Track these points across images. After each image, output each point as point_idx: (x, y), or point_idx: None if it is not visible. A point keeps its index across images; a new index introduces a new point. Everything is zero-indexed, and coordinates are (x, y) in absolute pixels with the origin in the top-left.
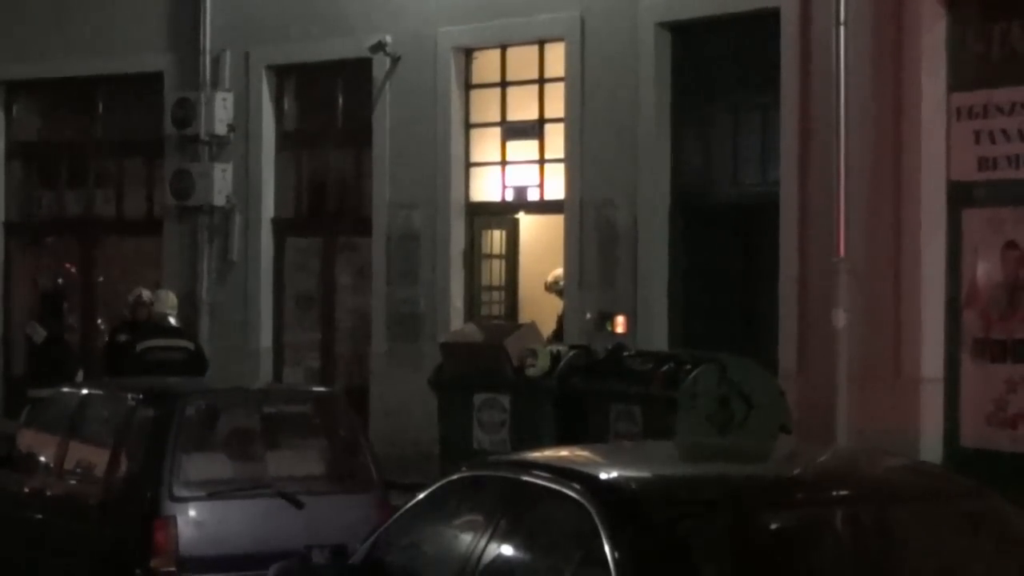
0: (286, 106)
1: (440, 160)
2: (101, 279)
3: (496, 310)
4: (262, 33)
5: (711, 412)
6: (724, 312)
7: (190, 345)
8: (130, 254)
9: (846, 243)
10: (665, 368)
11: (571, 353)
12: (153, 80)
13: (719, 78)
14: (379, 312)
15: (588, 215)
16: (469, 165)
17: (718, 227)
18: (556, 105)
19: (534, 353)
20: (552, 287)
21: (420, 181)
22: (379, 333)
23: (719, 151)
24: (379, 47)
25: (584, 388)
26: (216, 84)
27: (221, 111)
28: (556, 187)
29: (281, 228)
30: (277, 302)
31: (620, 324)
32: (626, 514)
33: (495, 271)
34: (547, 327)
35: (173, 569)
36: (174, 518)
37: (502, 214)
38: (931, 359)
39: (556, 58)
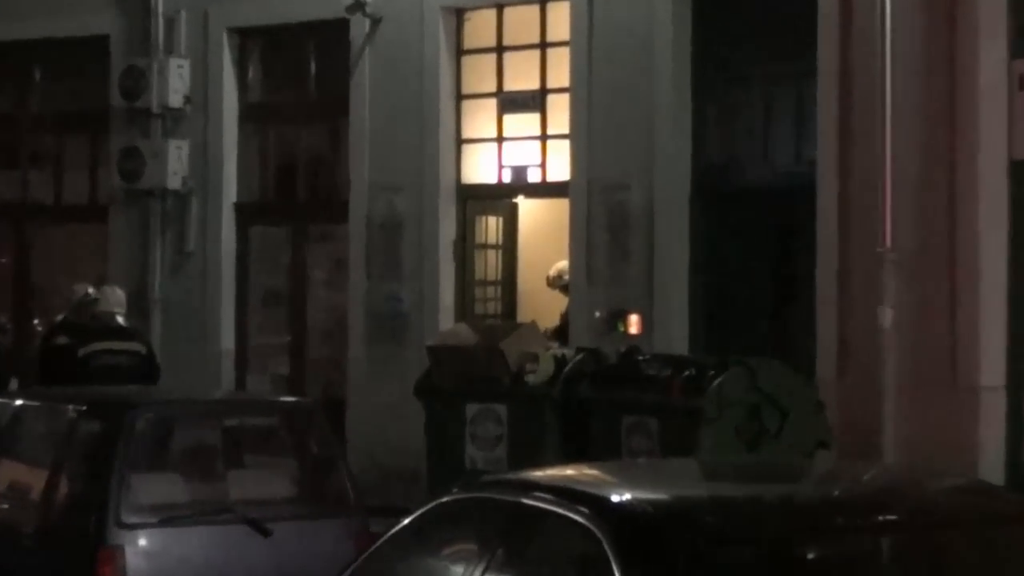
0: (251, 74)
1: (427, 136)
2: (37, 273)
3: (492, 308)
4: None
5: (739, 424)
6: (753, 310)
7: (141, 348)
8: (71, 244)
9: (893, 232)
10: (686, 374)
11: (577, 357)
12: (98, 45)
13: (747, 43)
14: (357, 311)
15: (597, 199)
16: (460, 142)
17: (746, 213)
18: (560, 73)
19: (535, 357)
20: (556, 282)
21: (404, 160)
22: (357, 335)
23: (747, 126)
24: (357, 6)
25: (592, 397)
26: (170, 49)
27: (176, 80)
28: (560, 167)
29: (245, 214)
30: (240, 299)
31: (634, 324)
32: (641, 542)
33: (490, 263)
34: (550, 328)
35: None
36: (122, 548)
37: (498, 198)
38: (991, 364)
39: (560, 19)
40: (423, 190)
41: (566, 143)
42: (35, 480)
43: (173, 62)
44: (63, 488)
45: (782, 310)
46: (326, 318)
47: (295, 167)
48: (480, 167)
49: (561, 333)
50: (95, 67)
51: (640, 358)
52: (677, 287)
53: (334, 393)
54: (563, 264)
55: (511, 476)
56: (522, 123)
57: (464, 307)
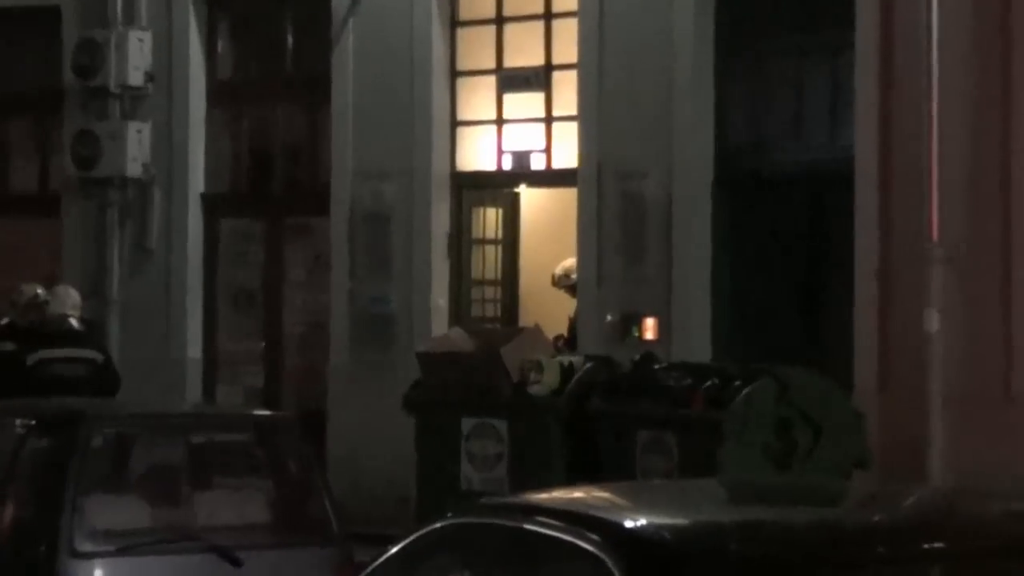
0: (220, 49)
1: (418, 118)
2: None
3: (490, 311)
4: None
5: (767, 441)
6: (783, 313)
7: (97, 356)
8: (19, 239)
9: (940, 225)
10: (708, 384)
11: (586, 366)
12: (48, 16)
13: (777, 12)
14: (340, 314)
15: (608, 188)
16: (455, 124)
17: (775, 203)
18: (567, 47)
19: (539, 366)
20: (562, 281)
21: (392, 145)
22: (340, 341)
23: (777, 106)
24: None
25: (603, 410)
26: (130, 21)
27: (136, 55)
28: (567, 152)
29: (214, 206)
30: (209, 301)
31: (649, 329)
32: (658, 574)
33: (489, 261)
34: (556, 332)
35: None
36: None
37: (498, 187)
38: None
39: None
40: (413, 178)
41: (573, 125)
42: None
43: (133, 35)
44: (9, 513)
45: (816, 313)
46: (305, 322)
47: (270, 153)
48: (477, 152)
49: (568, 339)
50: (45, 41)
51: (657, 367)
52: (698, 287)
53: (313, 406)
54: (570, 261)
55: (512, 499)
56: (524, 103)
57: (459, 309)
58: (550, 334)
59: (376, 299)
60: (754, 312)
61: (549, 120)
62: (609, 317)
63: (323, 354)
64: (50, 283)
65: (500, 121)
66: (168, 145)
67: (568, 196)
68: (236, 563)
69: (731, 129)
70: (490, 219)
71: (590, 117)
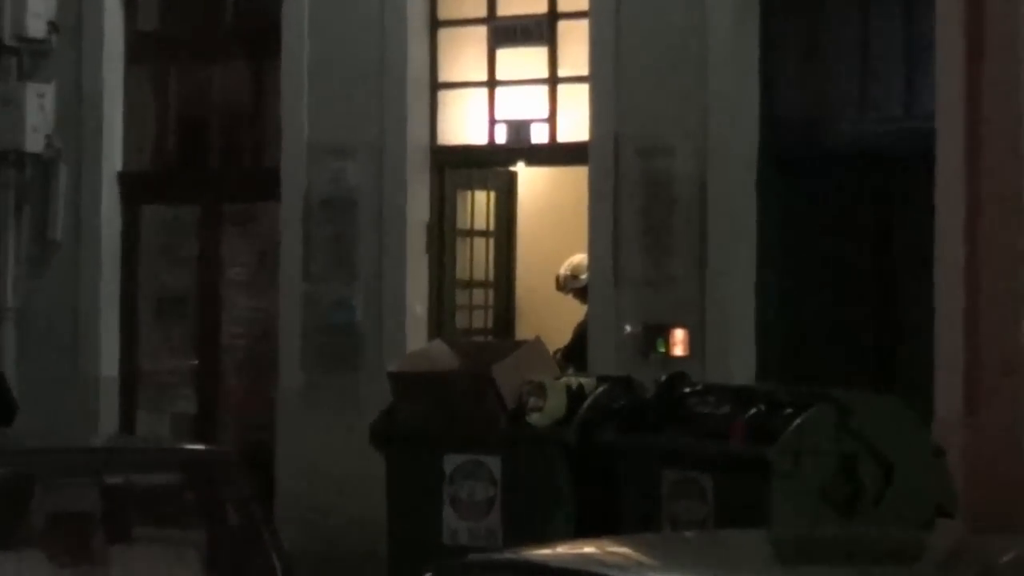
0: None
1: (390, 80)
2: None
3: (479, 320)
4: None
5: (826, 483)
6: (846, 323)
7: None
8: None
9: None
10: (752, 413)
11: (600, 389)
12: None
13: None
14: (292, 323)
15: (627, 168)
16: (436, 87)
17: (835, 187)
18: None
19: (541, 389)
20: (569, 283)
21: (357, 113)
22: (292, 357)
23: (837, 70)
24: None
25: (621, 444)
26: None
27: (38, 3)
28: (576, 123)
29: (134, 188)
30: (127, 307)
31: (679, 342)
32: None
33: (478, 257)
34: (561, 347)
35: None
36: None
37: (489, 166)
38: None
39: None
40: (383, 154)
41: (584, 89)
42: None
43: None
44: None
45: (886, 324)
46: (248, 334)
47: (204, 123)
48: (463, 122)
49: (577, 355)
50: None
51: (687, 390)
52: (739, 290)
53: (259, 438)
54: (579, 259)
55: (507, 555)
56: (522, 61)
57: (441, 318)
58: (553, 349)
59: (337, 305)
60: (809, 322)
61: (553, 82)
62: (628, 328)
63: (271, 374)
64: None
65: (492, 83)
66: (77, 113)
67: (577, 177)
68: None
69: (780, 96)
70: (480, 205)
71: (604, 79)
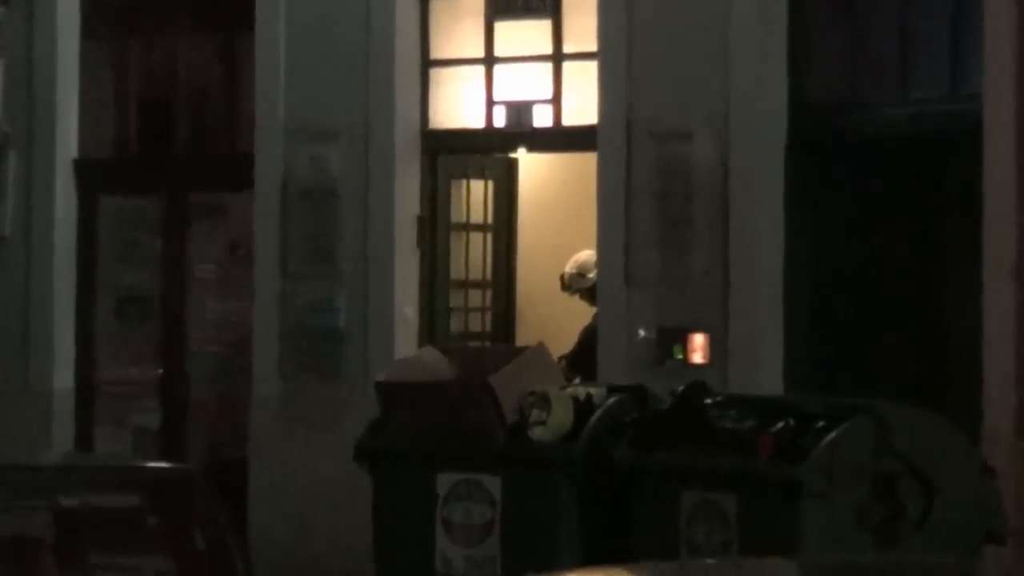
0: None
1: (376, 56)
2: None
3: (476, 324)
4: None
5: (863, 505)
6: (883, 326)
7: None
8: None
9: None
10: (780, 427)
11: (610, 400)
12: None
13: None
14: (267, 327)
15: (641, 154)
16: (427, 64)
17: (872, 177)
18: None
19: (545, 400)
20: (575, 282)
21: (340, 93)
22: (267, 364)
23: (875, 45)
24: None
25: (634, 462)
26: None
27: None
28: (582, 104)
29: (92, 177)
30: (84, 309)
31: (698, 348)
32: None
33: (475, 254)
34: (567, 353)
35: None
36: None
37: (487, 152)
38: None
39: None
40: (369, 140)
41: (591, 67)
42: None
43: None
44: None
45: (929, 327)
46: (218, 339)
47: (170, 104)
48: (458, 104)
49: (584, 363)
50: None
51: (708, 402)
52: (766, 290)
53: (231, 456)
54: (586, 255)
55: None
56: (524, 36)
57: (434, 322)
58: (558, 355)
59: (318, 307)
60: (843, 326)
61: (558, 59)
62: (642, 332)
63: (244, 383)
64: None
65: (490, 60)
66: (28, 93)
67: (584, 165)
68: None
69: (811, 74)
70: (476, 196)
71: (616, 56)
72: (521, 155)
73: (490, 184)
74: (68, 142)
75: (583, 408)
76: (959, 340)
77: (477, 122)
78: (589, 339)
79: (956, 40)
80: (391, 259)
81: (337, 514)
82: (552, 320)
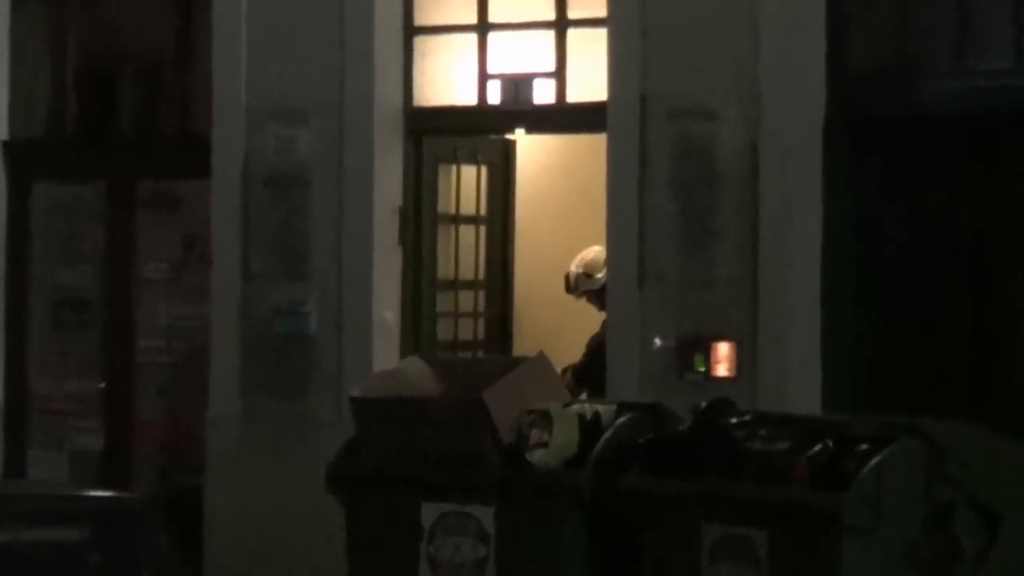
0: None
1: (352, 23)
2: None
3: (467, 331)
4: None
5: (914, 539)
6: (937, 333)
7: None
8: None
9: None
10: (817, 449)
11: (621, 419)
12: None
13: None
14: (227, 335)
15: (657, 135)
16: (411, 32)
17: (924, 161)
18: None
19: (545, 419)
20: (582, 283)
21: (310, 66)
22: (227, 377)
23: (926, 8)
24: None
25: (649, 490)
26: None
27: None
28: (590, 78)
29: (24, 162)
30: (14, 313)
31: (723, 359)
32: None
33: (466, 251)
34: (572, 365)
35: None
36: None
37: (481, 133)
38: None
39: None
40: (343, 119)
41: (601, 35)
42: None
43: None
44: None
45: (989, 334)
46: (170, 348)
47: (114, 79)
48: (447, 78)
49: (592, 376)
50: None
51: (734, 421)
52: (801, 292)
53: (184, 483)
54: (595, 253)
55: None
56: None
57: (418, 328)
58: (562, 367)
59: (285, 311)
60: (890, 333)
61: (562, 26)
62: (658, 341)
63: (199, 399)
64: None
65: (483, 27)
66: None
67: (592, 148)
68: None
69: (854, 44)
70: (467, 184)
71: (628, 22)
72: (519, 137)
73: (483, 170)
74: None
75: (590, 428)
76: None
77: (468, 99)
78: (598, 349)
79: (1019, 5)
80: (369, 256)
81: (306, 550)
82: (555, 327)
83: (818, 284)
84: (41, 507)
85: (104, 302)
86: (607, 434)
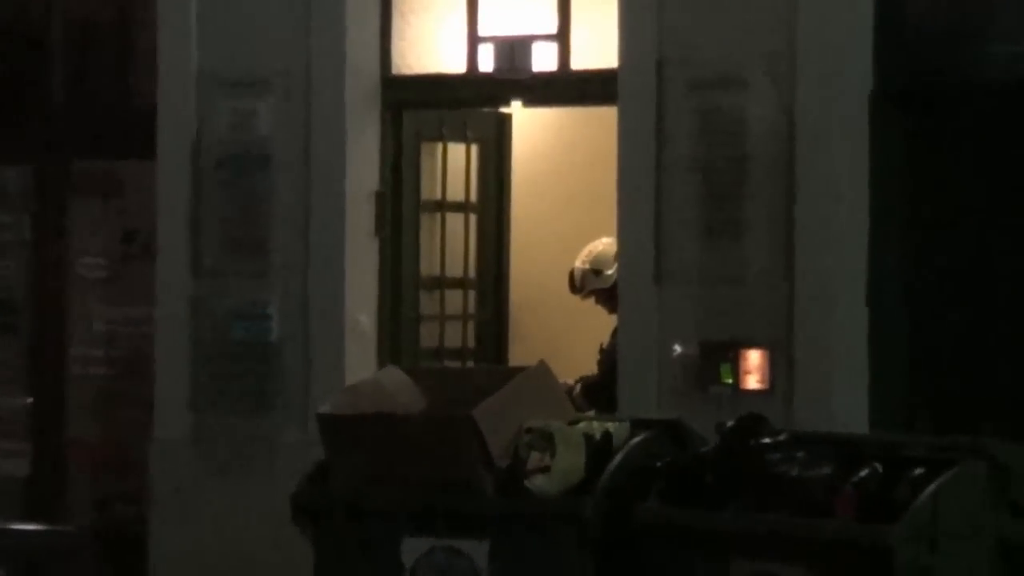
0: None
1: None
2: None
3: (454, 336)
4: None
5: None
6: (1001, 337)
7: None
8: None
9: None
10: (863, 474)
11: (635, 439)
12: None
13: None
14: (175, 341)
15: (676, 107)
16: None
17: (987, 135)
18: None
19: (547, 439)
20: (588, 281)
21: (273, 28)
22: (174, 391)
23: None
24: None
25: (667, 523)
26: None
27: None
28: (598, 42)
29: None
30: None
31: (754, 369)
32: None
33: (453, 243)
34: (579, 374)
35: None
36: None
37: (471, 105)
38: None
39: None
40: (311, 90)
41: None
42: None
43: None
44: None
45: None
46: (109, 357)
47: (40, 42)
48: (431, 42)
49: (600, 388)
50: None
51: (767, 442)
52: (845, 290)
53: (125, 513)
54: (604, 246)
55: None
56: None
57: (398, 334)
58: (569, 381)
59: (242, 315)
60: (948, 338)
61: None
62: (678, 348)
63: (142, 417)
64: None
65: None
66: None
67: (600, 123)
68: None
69: (908, 1)
70: (455, 165)
71: None
72: (516, 110)
73: (474, 149)
74: None
75: (599, 450)
76: None
77: (457, 66)
78: (616, 360)
79: None
80: (341, 250)
81: None
82: (557, 332)
83: (864, 281)
84: None
85: (30, 303)
86: (618, 457)
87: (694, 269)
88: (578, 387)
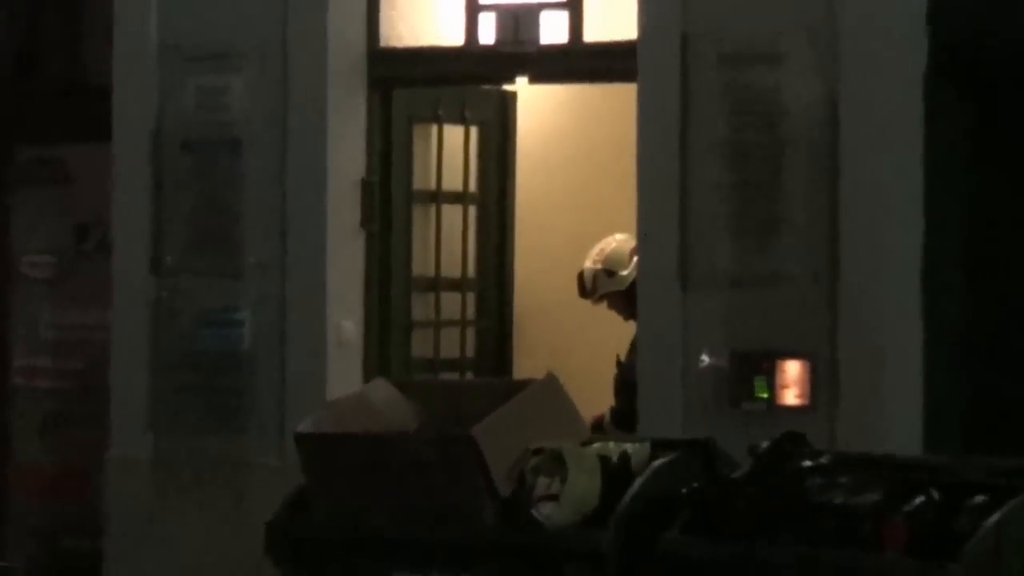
0: None
1: None
2: None
3: (451, 344)
4: None
5: None
6: None
7: None
8: None
9: None
10: (917, 503)
11: (658, 463)
12: None
13: None
14: (133, 352)
15: (703, 85)
16: None
17: None
18: None
19: (557, 462)
20: (602, 283)
21: None
22: (132, 408)
23: None
24: None
25: (694, 556)
26: None
27: None
28: (615, 10)
29: None
30: None
31: (792, 383)
32: None
33: (450, 239)
34: (592, 388)
35: None
36: None
37: (470, 82)
38: None
39: None
40: (289, 65)
41: None
42: None
43: None
44: None
45: None
46: (57, 368)
47: None
48: (425, 12)
49: (631, 414)
50: None
51: (807, 464)
52: (895, 294)
53: (77, 547)
54: (618, 243)
55: None
56: None
57: (386, 342)
58: (594, 415)
59: (210, 320)
60: (1017, 347)
61: None
62: (706, 359)
63: (96, 436)
64: None
65: None
66: None
67: (617, 102)
68: None
69: None
70: (453, 150)
71: None
72: (521, 88)
73: (473, 132)
74: None
75: (616, 474)
76: None
77: (454, 38)
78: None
79: None
80: (322, 246)
81: None
82: (567, 340)
83: (918, 284)
84: None
85: None
86: (638, 482)
87: (724, 271)
88: (606, 421)
